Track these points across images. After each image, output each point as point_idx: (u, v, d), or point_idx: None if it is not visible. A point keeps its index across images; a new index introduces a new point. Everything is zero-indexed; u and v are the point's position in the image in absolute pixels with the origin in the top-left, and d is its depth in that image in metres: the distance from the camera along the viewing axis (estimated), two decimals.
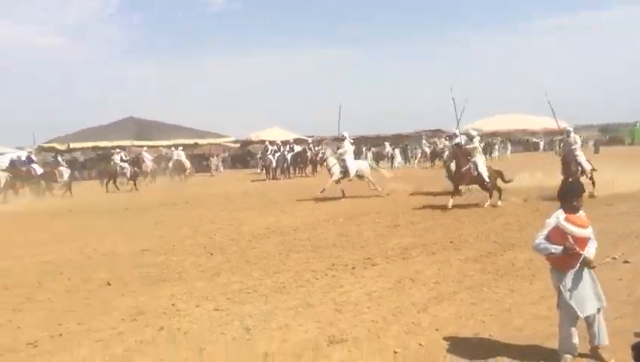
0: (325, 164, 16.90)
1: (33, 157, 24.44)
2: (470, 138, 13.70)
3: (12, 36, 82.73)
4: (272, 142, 31.12)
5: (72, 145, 37.21)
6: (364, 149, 36.52)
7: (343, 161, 16.14)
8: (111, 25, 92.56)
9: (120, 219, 13.81)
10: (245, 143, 46.60)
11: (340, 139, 17.36)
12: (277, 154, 29.11)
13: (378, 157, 35.34)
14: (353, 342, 4.50)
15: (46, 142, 37.55)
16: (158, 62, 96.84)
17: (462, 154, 13.22)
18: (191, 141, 41.09)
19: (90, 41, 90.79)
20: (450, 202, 12.39)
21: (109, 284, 6.83)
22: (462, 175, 13.01)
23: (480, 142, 14.54)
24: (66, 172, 23.52)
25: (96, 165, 36.44)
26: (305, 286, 6.35)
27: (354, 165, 16.29)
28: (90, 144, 38.25)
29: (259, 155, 34.30)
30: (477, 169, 12.84)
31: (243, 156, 45.42)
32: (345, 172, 16.06)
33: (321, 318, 5.15)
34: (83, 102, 75.67)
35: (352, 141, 17.18)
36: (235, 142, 47.17)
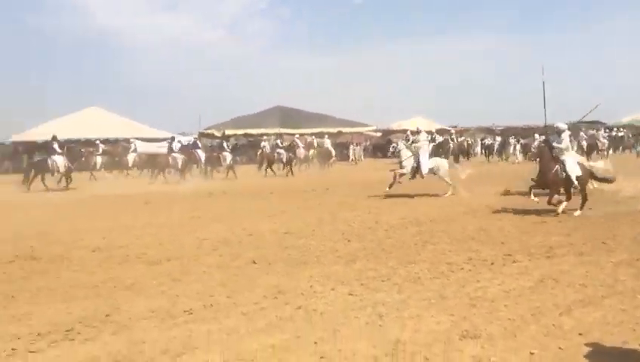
0: (398, 157, 15.60)
1: (199, 142, 26.98)
2: (558, 133, 11.39)
3: (178, 29, 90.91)
4: (413, 132, 30.88)
5: (226, 132, 40.19)
6: (512, 140, 34.70)
7: (417, 156, 15.00)
8: (263, 18, 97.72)
9: (267, 202, 14.70)
10: (387, 132, 46.73)
11: (415, 133, 16.24)
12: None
13: (526, 150, 33.35)
14: (487, 339, 4.41)
15: (205, 129, 41.13)
16: (305, 54, 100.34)
17: (547, 153, 11.16)
18: (334, 130, 42.19)
19: (244, 34, 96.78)
20: (562, 206, 10.73)
21: (255, 263, 7.35)
22: (548, 178, 10.96)
23: (574, 138, 12.72)
24: (228, 156, 25.56)
25: (246, 151, 39.16)
26: (439, 279, 6.30)
27: (427, 163, 14.97)
28: (241, 131, 41.05)
29: None
30: (565, 170, 10.85)
31: (384, 145, 45.59)
32: (417, 168, 14.94)
33: (454, 311, 5.10)
34: (237, 92, 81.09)
35: (428, 134, 16.11)
36: (376, 130, 47.52)
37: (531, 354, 4.10)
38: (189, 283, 6.42)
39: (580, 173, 10.93)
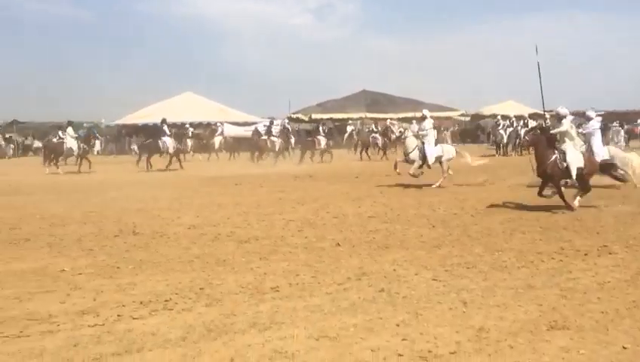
0: (404, 146, 14.82)
1: (289, 126, 27.75)
2: (559, 118, 10.40)
3: (267, 14, 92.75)
4: (504, 117, 29.75)
5: (313, 116, 40.73)
6: (616, 125, 32.37)
7: (422, 144, 14.18)
8: (350, 3, 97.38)
9: (352, 185, 14.83)
10: (476, 117, 45.31)
11: (420, 119, 15.21)
12: (509, 130, 27.76)
13: (631, 136, 31.14)
14: (577, 331, 4.26)
15: (293, 113, 41.91)
16: (392, 37, 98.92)
17: (543, 141, 10.13)
18: (420, 114, 41.47)
19: (331, 18, 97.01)
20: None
21: (339, 245, 7.49)
22: (545, 169, 9.95)
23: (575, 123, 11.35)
24: (323, 140, 26.03)
25: (332, 135, 39.50)
26: (528, 268, 6.13)
27: (433, 151, 14.12)
28: (327, 116, 41.39)
29: (489, 130, 33.16)
30: (565, 160, 9.83)
31: (473, 130, 44.28)
32: (423, 157, 14.08)
33: (542, 302, 4.96)
34: (324, 77, 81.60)
35: (433, 121, 14.84)
36: (464, 115, 46.18)
37: (624, 348, 3.93)
38: (276, 261, 6.68)
39: (581, 165, 9.94)
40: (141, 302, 5.18)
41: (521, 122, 28.90)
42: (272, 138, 24.31)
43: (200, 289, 5.59)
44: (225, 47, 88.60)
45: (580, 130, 12.76)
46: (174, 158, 22.59)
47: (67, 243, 7.89)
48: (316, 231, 8.50)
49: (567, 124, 10.18)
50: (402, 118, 36.74)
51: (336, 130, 40.23)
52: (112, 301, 5.26)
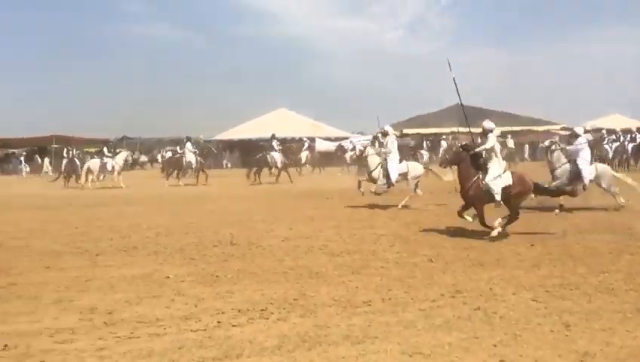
0: (365, 165, 14.17)
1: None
2: (484, 133, 9.49)
3: (359, 31, 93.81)
4: (610, 131, 27.96)
5: (404, 131, 40.45)
6: None
7: (385, 163, 13.46)
8: (444, 17, 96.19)
9: (444, 199, 14.51)
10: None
11: (383, 134, 14.22)
12: (615, 144, 26.07)
13: None
14: None
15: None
16: (487, 50, 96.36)
17: (467, 159, 9.27)
18: (518, 128, 40.02)
19: (423, 33, 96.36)
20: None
21: (432, 261, 7.39)
22: (467, 190, 9.19)
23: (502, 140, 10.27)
24: (426, 155, 26.05)
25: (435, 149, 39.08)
26: (637, 291, 5.72)
27: (396, 168, 13.41)
28: (419, 130, 40.94)
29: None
30: (484, 180, 9.04)
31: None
32: (387, 175, 13.42)
33: None
34: (417, 90, 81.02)
35: (397, 136, 13.87)
36: (565, 129, 43.83)
37: None
38: (368, 276, 6.70)
39: (508, 184, 9.02)
40: (239, 310, 5.40)
41: (629, 136, 27.01)
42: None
43: (294, 300, 5.74)
44: (317, 64, 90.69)
45: (568, 148, 12.59)
46: (283, 172, 23.58)
47: (171, 252, 8.39)
48: (408, 246, 8.44)
49: (492, 140, 9.33)
50: (503, 132, 35.49)
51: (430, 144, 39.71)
52: (212, 308, 5.52)
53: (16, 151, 44.07)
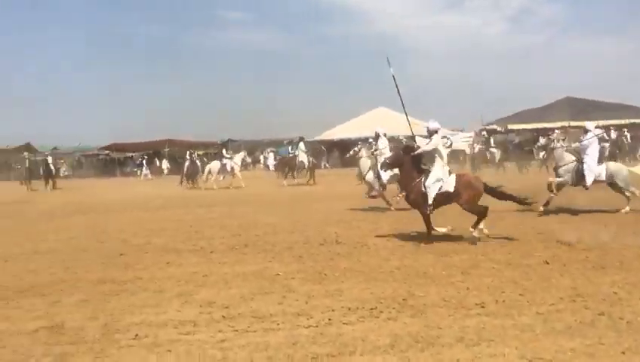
0: (358, 167, 14.22)
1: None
2: (429, 134, 8.90)
3: (458, 26, 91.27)
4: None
5: (509, 127, 38.83)
6: None
7: (376, 166, 13.14)
8: (552, 5, 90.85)
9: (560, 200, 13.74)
10: None
11: (374, 138, 13.81)
12: None
13: None
14: None
15: (487, 124, 40.43)
16: (599, 39, 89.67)
17: (408, 161, 8.94)
18: (638, 120, 37.06)
19: (530, 24, 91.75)
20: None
21: (547, 263, 7.03)
22: (409, 194, 8.95)
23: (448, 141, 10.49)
24: (497, 153, 25.26)
25: (528, 145, 37.21)
26: None
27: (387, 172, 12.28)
28: (526, 126, 39.05)
29: None
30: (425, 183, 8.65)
31: None
32: (378, 178, 13.23)
33: None
34: (521, 85, 77.06)
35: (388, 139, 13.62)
36: None
37: None
38: (479, 277, 6.51)
39: (450, 190, 8.55)
40: (349, 308, 5.46)
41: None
42: (491, 149, 24.87)
43: (403, 299, 5.71)
44: (416, 61, 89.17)
45: (576, 144, 11.67)
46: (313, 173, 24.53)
47: (279, 250, 8.66)
48: (521, 247, 8.10)
49: (436, 141, 8.81)
50: (614, 125, 32.98)
51: (534, 139, 37.75)
52: (322, 305, 5.63)
53: (133, 155, 47.60)
